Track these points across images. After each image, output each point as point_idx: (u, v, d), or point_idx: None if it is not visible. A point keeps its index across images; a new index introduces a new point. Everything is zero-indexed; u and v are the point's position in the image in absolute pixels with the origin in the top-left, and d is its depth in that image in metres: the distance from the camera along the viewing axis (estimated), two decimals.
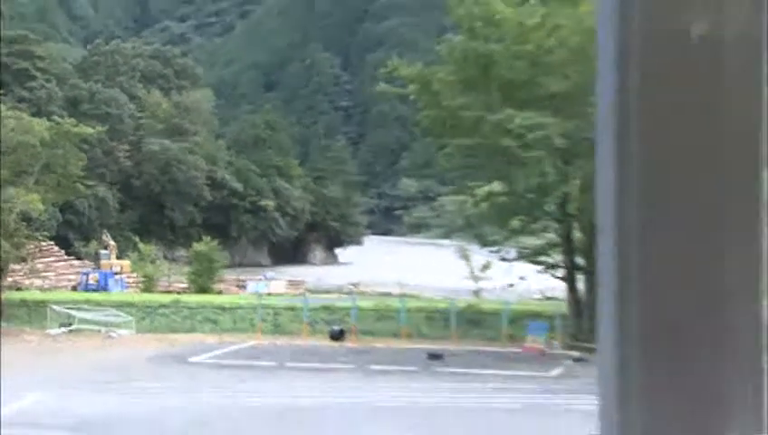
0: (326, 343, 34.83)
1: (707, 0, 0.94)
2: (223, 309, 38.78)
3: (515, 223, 36.60)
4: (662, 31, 0.95)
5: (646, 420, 0.99)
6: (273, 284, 51.09)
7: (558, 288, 35.71)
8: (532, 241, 37.15)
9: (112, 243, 53.33)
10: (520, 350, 32.55)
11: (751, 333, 1.00)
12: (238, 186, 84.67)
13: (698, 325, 0.99)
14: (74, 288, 47.08)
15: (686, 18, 0.94)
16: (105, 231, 58.66)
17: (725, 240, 0.99)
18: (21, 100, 65.26)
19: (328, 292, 50.19)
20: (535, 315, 35.01)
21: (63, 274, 52.32)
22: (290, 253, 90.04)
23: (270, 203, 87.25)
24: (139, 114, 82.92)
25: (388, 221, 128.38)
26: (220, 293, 46.92)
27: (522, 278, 40.49)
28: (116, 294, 43.76)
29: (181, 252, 67.80)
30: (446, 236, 50.56)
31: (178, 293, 44.32)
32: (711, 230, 0.98)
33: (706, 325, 0.99)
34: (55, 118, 50.57)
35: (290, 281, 57.37)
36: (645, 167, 0.96)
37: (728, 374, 1.00)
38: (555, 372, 28.52)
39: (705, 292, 0.98)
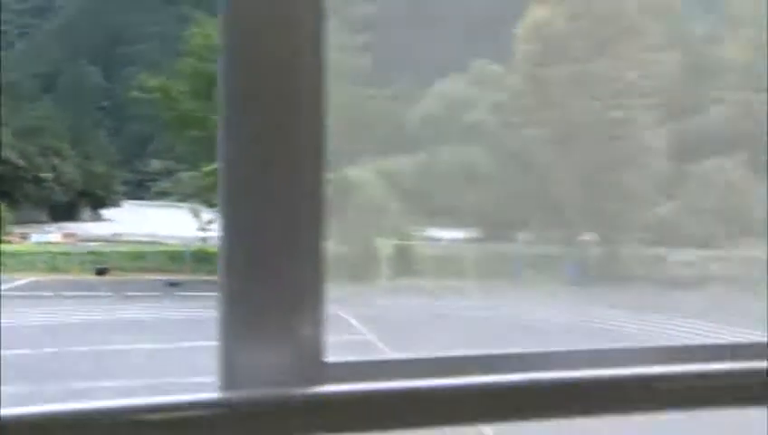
0: (93, 278, 32.76)
1: (284, 37, 1.04)
2: (11, 255, 35.11)
3: None
4: (253, 59, 1.03)
5: (244, 313, 1.09)
6: (52, 235, 46.74)
7: None
8: None
9: None
10: None
11: (313, 257, 1.12)
12: (22, 162, 77.25)
13: (279, 251, 1.09)
14: None
15: (269, 49, 1.04)
16: None
17: (298, 194, 1.11)
18: None
19: (95, 241, 46.88)
20: None
21: None
22: (65, 213, 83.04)
23: (48, 175, 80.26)
24: None
25: (140, 190, 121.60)
26: (9, 243, 42.34)
27: None
28: None
29: None
30: (183, 200, 48.95)
31: None
32: (286, 195, 1.08)
33: (285, 250, 1.09)
34: None
35: (65, 233, 52.72)
36: (243, 152, 1.05)
37: (300, 273, 1.12)
38: None
39: (286, 227, 1.08)
